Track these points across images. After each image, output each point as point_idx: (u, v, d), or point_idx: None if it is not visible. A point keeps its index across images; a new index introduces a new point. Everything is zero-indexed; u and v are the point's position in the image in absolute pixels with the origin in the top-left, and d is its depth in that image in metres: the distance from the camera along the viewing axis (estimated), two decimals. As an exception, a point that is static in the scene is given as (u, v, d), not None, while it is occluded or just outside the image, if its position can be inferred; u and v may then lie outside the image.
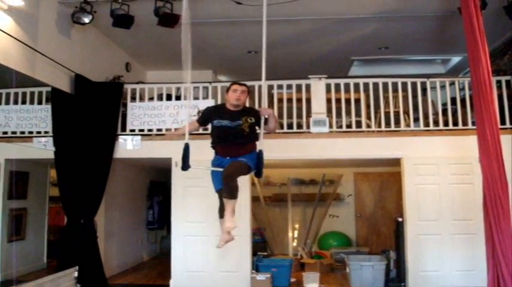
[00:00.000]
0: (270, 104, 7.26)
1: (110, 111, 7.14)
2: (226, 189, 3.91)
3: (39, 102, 6.81)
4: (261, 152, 4.10)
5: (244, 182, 6.92)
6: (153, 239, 10.17)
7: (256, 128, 4.19)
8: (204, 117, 4.36)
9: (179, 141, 6.90)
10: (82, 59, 7.20)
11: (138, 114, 7.24)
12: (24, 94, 6.73)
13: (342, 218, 9.99)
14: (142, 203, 9.73)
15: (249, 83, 7.21)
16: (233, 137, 4.07)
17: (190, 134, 4.30)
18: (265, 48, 4.19)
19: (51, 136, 6.68)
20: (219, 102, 7.26)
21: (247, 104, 4.91)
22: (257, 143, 4.19)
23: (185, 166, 4.10)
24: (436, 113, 7.26)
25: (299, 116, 7.22)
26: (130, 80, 8.31)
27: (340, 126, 7.22)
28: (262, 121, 4.13)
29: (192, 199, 7.04)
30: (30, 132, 6.77)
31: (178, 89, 7.60)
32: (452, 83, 7.42)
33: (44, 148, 6.62)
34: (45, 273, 6.52)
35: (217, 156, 4.20)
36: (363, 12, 7.13)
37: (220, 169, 4.04)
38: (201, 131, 6.87)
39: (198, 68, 9.16)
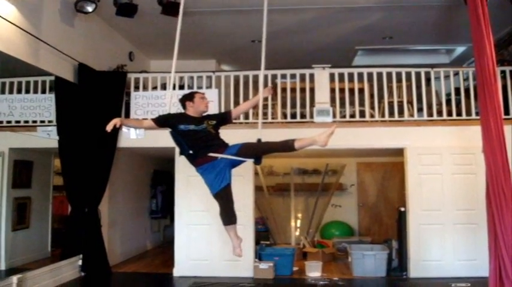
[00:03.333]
0: (274, 95, 7.25)
1: (114, 100, 7.16)
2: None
3: (43, 92, 6.82)
4: (259, 140, 4.13)
5: (247, 172, 6.96)
6: (157, 228, 10.22)
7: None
8: (166, 119, 4.29)
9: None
10: (85, 48, 7.19)
11: (141, 103, 7.25)
12: (27, 83, 6.74)
13: (345, 208, 10.00)
14: (146, 192, 9.76)
15: (253, 73, 7.34)
16: (205, 140, 4.07)
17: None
18: (265, 37, 4.21)
19: (55, 125, 6.71)
20: (223, 91, 7.27)
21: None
22: (256, 130, 4.28)
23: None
24: (439, 103, 7.24)
25: (303, 105, 7.21)
26: (133, 69, 8.30)
27: (344, 116, 7.22)
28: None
29: (195, 188, 7.06)
30: (34, 122, 6.79)
31: (181, 78, 7.60)
32: (456, 73, 7.38)
33: (47, 137, 6.64)
34: (49, 261, 6.59)
35: (203, 165, 4.07)
36: (367, 2, 7.09)
37: (232, 157, 3.95)
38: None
39: (202, 57, 9.18)
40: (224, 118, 4.40)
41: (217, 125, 4.23)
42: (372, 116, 7.21)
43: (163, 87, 7.49)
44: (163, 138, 7.04)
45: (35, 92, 6.77)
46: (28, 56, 5.79)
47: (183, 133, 4.11)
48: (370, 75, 7.17)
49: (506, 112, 6.46)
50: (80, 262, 6.84)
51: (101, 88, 7.07)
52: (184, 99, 4.31)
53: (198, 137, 4.07)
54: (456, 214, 6.69)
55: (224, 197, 4.10)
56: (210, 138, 4.09)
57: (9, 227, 6.27)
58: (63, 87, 6.72)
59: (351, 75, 7.17)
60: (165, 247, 9.52)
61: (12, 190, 6.32)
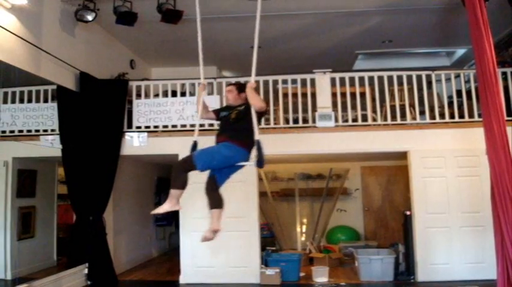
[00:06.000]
0: (276, 100, 7.24)
1: (116, 108, 7.18)
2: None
3: (45, 101, 6.82)
4: (258, 142, 3.94)
5: (251, 177, 6.96)
6: (162, 236, 10.21)
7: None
8: (218, 109, 4.57)
9: (185, 137, 6.97)
10: (86, 57, 7.23)
11: (143, 111, 7.27)
12: (30, 93, 6.74)
13: (350, 212, 9.98)
14: (150, 199, 9.76)
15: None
16: (223, 125, 4.27)
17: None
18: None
19: (57, 134, 6.71)
20: (224, 97, 7.28)
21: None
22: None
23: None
24: (441, 106, 7.23)
25: (305, 110, 7.21)
26: (135, 77, 8.34)
27: (346, 121, 7.20)
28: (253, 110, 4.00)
29: (198, 194, 7.00)
30: (37, 131, 6.77)
31: (183, 85, 7.62)
32: (457, 76, 7.38)
33: (51, 146, 6.65)
34: (55, 270, 6.57)
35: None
36: (366, 6, 7.10)
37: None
38: (206, 127, 6.92)
39: (203, 64, 9.18)
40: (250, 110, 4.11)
41: (242, 113, 4.10)
42: (374, 119, 7.20)
43: (165, 94, 7.51)
44: (166, 145, 7.15)
45: (37, 101, 6.77)
46: (29, 65, 5.82)
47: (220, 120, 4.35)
48: (371, 79, 7.17)
49: (509, 113, 6.43)
50: (86, 271, 6.84)
51: (103, 96, 7.09)
52: None
53: (222, 123, 4.30)
54: (462, 217, 6.67)
55: (208, 183, 4.49)
56: (227, 123, 4.21)
57: (15, 236, 6.26)
58: (65, 96, 6.74)
59: (352, 80, 7.17)
60: (171, 255, 9.51)
61: (17, 199, 6.32)
